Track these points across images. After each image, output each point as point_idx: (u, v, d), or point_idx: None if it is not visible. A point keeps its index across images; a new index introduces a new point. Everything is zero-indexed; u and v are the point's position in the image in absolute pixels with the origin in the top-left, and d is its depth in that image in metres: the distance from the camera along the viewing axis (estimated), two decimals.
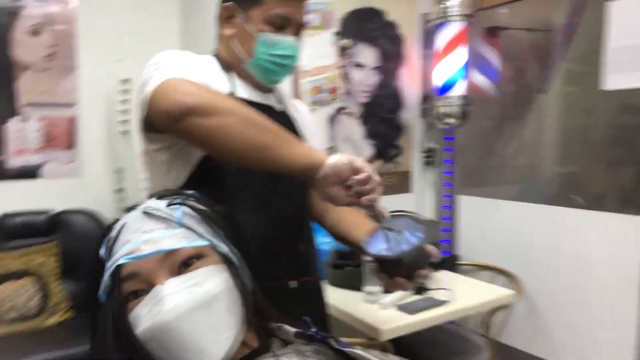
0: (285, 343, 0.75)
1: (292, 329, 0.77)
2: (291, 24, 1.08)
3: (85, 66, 2.60)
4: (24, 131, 2.49)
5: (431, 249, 0.95)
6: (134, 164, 2.50)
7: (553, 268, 2.21)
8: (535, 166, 2.35)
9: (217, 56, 1.15)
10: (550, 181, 2.32)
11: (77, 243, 2.48)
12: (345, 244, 1.22)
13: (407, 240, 0.93)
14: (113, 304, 0.66)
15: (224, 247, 0.71)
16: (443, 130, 2.58)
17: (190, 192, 0.76)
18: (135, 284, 0.66)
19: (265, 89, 1.17)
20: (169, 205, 0.72)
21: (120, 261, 0.66)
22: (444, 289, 1.81)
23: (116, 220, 0.73)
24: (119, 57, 2.66)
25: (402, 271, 0.93)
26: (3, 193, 2.44)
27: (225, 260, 0.70)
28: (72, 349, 2.06)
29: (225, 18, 1.11)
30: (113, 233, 0.71)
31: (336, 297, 1.78)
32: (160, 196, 0.75)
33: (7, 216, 2.39)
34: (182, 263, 0.67)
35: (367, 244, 0.94)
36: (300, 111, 1.29)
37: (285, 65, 1.10)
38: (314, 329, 0.76)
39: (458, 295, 1.78)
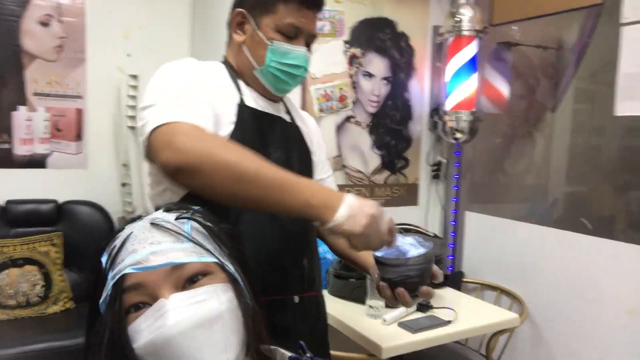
0: (263, 357, 0.74)
1: (287, 353, 0.77)
2: (303, 34, 1.08)
3: (93, 59, 2.60)
4: (31, 120, 2.50)
5: (436, 269, 0.96)
6: (141, 160, 2.50)
7: (559, 294, 2.17)
8: (543, 186, 2.33)
9: (226, 62, 1.14)
10: (558, 202, 2.30)
11: (80, 234, 2.51)
12: (348, 261, 1.22)
13: (417, 247, 0.94)
14: (113, 315, 0.64)
15: (230, 266, 0.70)
16: (452, 144, 2.59)
17: (196, 207, 0.75)
18: (138, 295, 0.64)
19: (274, 99, 1.17)
20: (177, 218, 0.70)
21: (127, 271, 0.63)
22: (448, 308, 1.82)
23: (120, 229, 0.71)
24: (128, 52, 2.66)
25: (404, 283, 0.92)
26: (9, 180, 2.46)
27: (231, 279, 0.69)
28: (73, 339, 2.09)
29: (237, 24, 1.10)
30: (117, 242, 0.68)
31: (337, 309, 1.79)
32: (167, 209, 0.73)
33: (12, 203, 2.42)
34: (189, 278, 0.65)
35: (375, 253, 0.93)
36: (308, 123, 1.29)
37: (295, 75, 1.09)
38: (309, 354, 0.76)
39: (462, 315, 1.77)
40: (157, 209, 0.74)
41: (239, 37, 1.10)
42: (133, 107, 2.49)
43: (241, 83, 1.11)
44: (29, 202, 2.46)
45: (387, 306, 1.73)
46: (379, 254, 0.92)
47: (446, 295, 2.07)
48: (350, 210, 0.85)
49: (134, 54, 2.67)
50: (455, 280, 2.43)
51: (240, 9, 1.09)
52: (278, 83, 1.10)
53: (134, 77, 2.49)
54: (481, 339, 2.25)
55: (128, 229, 0.69)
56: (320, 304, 1.22)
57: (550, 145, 2.31)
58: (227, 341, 0.64)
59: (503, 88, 2.50)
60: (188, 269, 0.65)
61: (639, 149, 1.96)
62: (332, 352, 1.56)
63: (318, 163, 1.26)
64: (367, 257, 1.12)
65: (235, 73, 1.12)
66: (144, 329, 0.62)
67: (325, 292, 2.02)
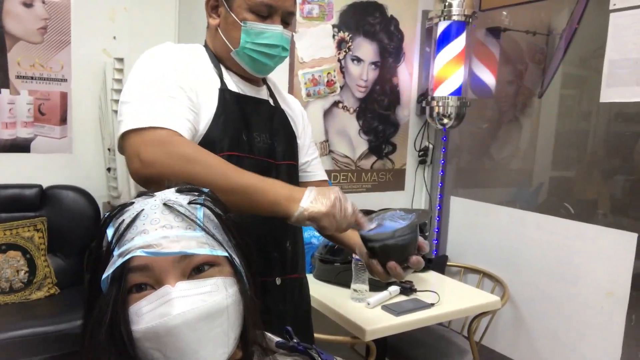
0: (265, 351, 0.74)
1: (275, 338, 0.77)
2: (277, 12, 1.05)
3: (78, 42, 2.56)
4: (14, 104, 2.46)
5: (422, 240, 0.96)
6: None
7: (540, 276, 2.22)
8: (528, 171, 2.36)
9: (206, 46, 1.13)
10: (543, 187, 2.33)
11: (65, 219, 2.48)
12: (335, 242, 1.22)
13: (400, 222, 0.94)
14: (117, 294, 0.62)
15: (237, 260, 0.69)
16: (439, 129, 2.59)
17: (205, 190, 0.73)
18: (142, 277, 0.63)
19: (257, 82, 1.15)
20: (190, 203, 0.68)
21: (137, 253, 0.61)
22: (431, 291, 1.84)
23: (128, 203, 0.68)
24: (114, 34, 2.62)
25: (394, 254, 0.92)
26: None
27: (236, 273, 0.68)
28: (57, 325, 2.08)
29: (211, 8, 1.09)
30: (126, 216, 0.66)
31: (322, 292, 1.80)
32: (179, 190, 0.70)
33: None
34: (196, 267, 0.64)
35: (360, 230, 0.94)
36: (293, 106, 1.27)
37: (272, 55, 1.07)
38: (295, 340, 0.76)
39: (445, 298, 1.79)
40: (167, 186, 0.72)
41: (213, 21, 1.10)
42: (119, 91, 2.45)
43: (222, 67, 1.10)
44: (13, 186, 2.43)
45: (372, 289, 1.75)
46: (364, 232, 0.92)
47: (430, 279, 2.09)
48: (314, 195, 0.89)
49: (119, 37, 2.63)
50: (439, 264, 2.45)
51: None
52: (255, 64, 1.08)
53: (120, 60, 2.45)
54: (464, 321, 2.28)
55: (138, 205, 0.67)
56: (303, 286, 1.23)
57: (537, 130, 2.32)
58: (226, 336, 0.64)
59: (491, 73, 2.50)
60: (197, 258, 0.64)
61: (624, 136, 1.98)
62: (317, 335, 1.57)
63: (303, 146, 1.26)
64: (352, 236, 1.12)
65: (216, 57, 1.11)
66: (145, 313, 0.61)
67: (310, 276, 2.04)
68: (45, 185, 2.50)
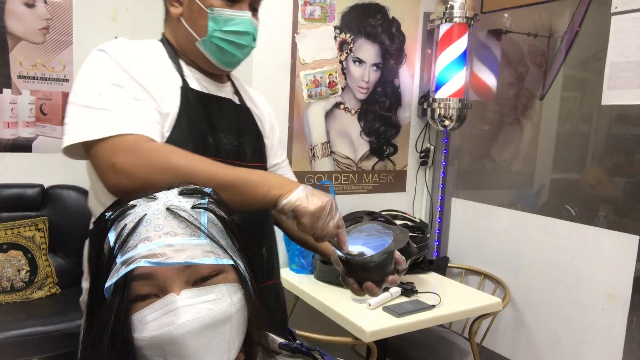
0: (269, 352, 0.74)
1: (278, 339, 0.77)
2: None
3: (80, 42, 2.56)
4: (16, 103, 2.46)
5: (399, 256, 0.94)
6: None
7: (541, 279, 2.21)
8: (529, 173, 2.36)
9: (164, 40, 1.05)
10: (544, 189, 2.32)
11: (66, 219, 2.49)
12: (307, 249, 1.18)
13: (377, 239, 0.94)
14: (120, 303, 0.61)
15: (242, 266, 0.68)
16: (440, 131, 2.59)
17: (208, 190, 0.71)
18: (146, 286, 0.62)
19: (220, 78, 1.09)
20: (194, 207, 0.66)
21: (141, 264, 0.60)
22: (432, 292, 1.84)
23: (129, 206, 0.66)
24: (116, 34, 2.62)
25: (370, 275, 0.92)
26: None
27: (241, 279, 0.67)
28: (58, 325, 2.08)
29: None
30: (128, 221, 0.64)
31: (324, 293, 1.81)
32: (182, 192, 0.69)
33: None
34: (201, 277, 0.63)
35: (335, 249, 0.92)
36: (258, 104, 1.20)
37: (242, 45, 1.01)
38: (299, 341, 0.76)
39: (446, 299, 1.79)
40: (169, 187, 0.70)
41: (175, 10, 1.01)
42: None
43: (182, 63, 1.03)
44: (14, 186, 2.43)
45: None
46: (341, 253, 0.90)
47: (431, 280, 2.09)
48: (308, 191, 0.85)
49: (121, 37, 2.63)
50: (440, 265, 2.45)
51: None
52: (223, 55, 1.01)
53: None
54: (464, 323, 2.28)
55: (140, 209, 0.65)
56: (279, 292, 1.19)
57: (538, 132, 2.32)
58: (230, 343, 0.64)
59: (493, 75, 2.50)
60: (202, 268, 0.63)
61: (625, 138, 1.98)
62: (318, 336, 1.57)
63: (272, 147, 1.20)
64: (325, 244, 1.07)
65: (175, 52, 1.03)
66: (149, 321, 0.60)
67: (311, 277, 2.04)
68: (46, 185, 2.50)
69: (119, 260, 0.62)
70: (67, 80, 2.56)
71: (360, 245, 0.96)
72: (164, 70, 0.99)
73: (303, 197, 0.83)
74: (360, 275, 0.93)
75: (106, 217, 0.66)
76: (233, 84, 1.15)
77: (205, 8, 0.97)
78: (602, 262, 2.00)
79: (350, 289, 0.96)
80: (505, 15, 2.44)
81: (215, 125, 1.02)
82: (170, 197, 0.67)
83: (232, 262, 0.65)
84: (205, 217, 0.66)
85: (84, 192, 2.56)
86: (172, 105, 0.95)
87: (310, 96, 2.29)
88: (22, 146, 2.50)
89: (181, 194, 0.68)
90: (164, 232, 0.62)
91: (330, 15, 2.29)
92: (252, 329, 0.67)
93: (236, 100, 1.12)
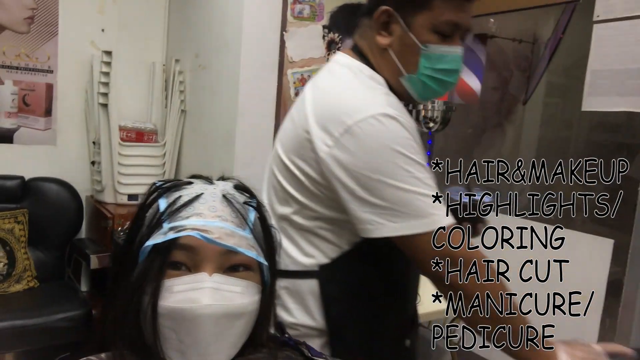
0: (257, 346, 0.74)
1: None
2: (459, 32, 0.92)
3: (66, 33, 2.54)
4: None
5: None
6: (111, 138, 2.46)
7: (516, 280, 2.26)
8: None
9: (375, 69, 0.97)
10: (523, 192, 2.37)
11: (47, 212, 2.46)
12: None
13: None
14: (161, 265, 0.63)
15: (267, 272, 0.70)
16: (424, 133, 2.61)
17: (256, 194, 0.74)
18: (183, 256, 0.63)
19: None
20: (245, 203, 0.70)
21: (192, 233, 0.62)
22: None
23: (186, 182, 0.70)
24: (102, 26, 2.60)
25: None
26: None
27: (262, 282, 0.69)
28: (36, 319, 2.06)
29: (382, 24, 0.95)
30: (184, 193, 0.67)
31: None
32: (237, 186, 0.72)
33: None
34: (233, 265, 0.65)
35: None
36: None
37: (447, 82, 0.94)
38: (287, 334, 0.78)
39: (425, 297, 1.81)
40: (222, 178, 0.73)
41: (384, 40, 0.95)
42: (105, 84, 2.43)
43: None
44: None
45: None
46: None
47: None
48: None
49: (108, 29, 2.62)
50: None
51: (386, 7, 0.93)
52: (426, 92, 0.96)
53: (108, 53, 2.43)
54: (443, 321, 2.31)
55: (198, 187, 0.68)
56: None
57: (520, 136, 2.36)
58: (239, 339, 0.66)
59: (477, 79, 2.53)
60: (239, 257, 0.65)
61: (604, 144, 2.02)
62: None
63: None
64: None
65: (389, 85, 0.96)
66: (176, 292, 0.62)
67: None
68: (27, 177, 2.47)
69: (166, 225, 0.64)
70: (51, 72, 2.53)
71: None
72: (399, 106, 0.94)
73: None
74: None
75: (157, 185, 0.70)
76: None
77: (419, 44, 0.91)
78: (577, 265, 2.04)
79: None
80: (491, 20, 2.47)
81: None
82: (226, 187, 0.71)
83: (266, 263, 0.68)
84: (252, 215, 0.69)
85: (65, 185, 2.53)
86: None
87: (297, 94, 2.29)
88: (3, 137, 2.47)
89: (236, 187, 0.72)
90: (216, 214, 0.65)
91: (319, 14, 2.29)
92: (254, 333, 0.69)
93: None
